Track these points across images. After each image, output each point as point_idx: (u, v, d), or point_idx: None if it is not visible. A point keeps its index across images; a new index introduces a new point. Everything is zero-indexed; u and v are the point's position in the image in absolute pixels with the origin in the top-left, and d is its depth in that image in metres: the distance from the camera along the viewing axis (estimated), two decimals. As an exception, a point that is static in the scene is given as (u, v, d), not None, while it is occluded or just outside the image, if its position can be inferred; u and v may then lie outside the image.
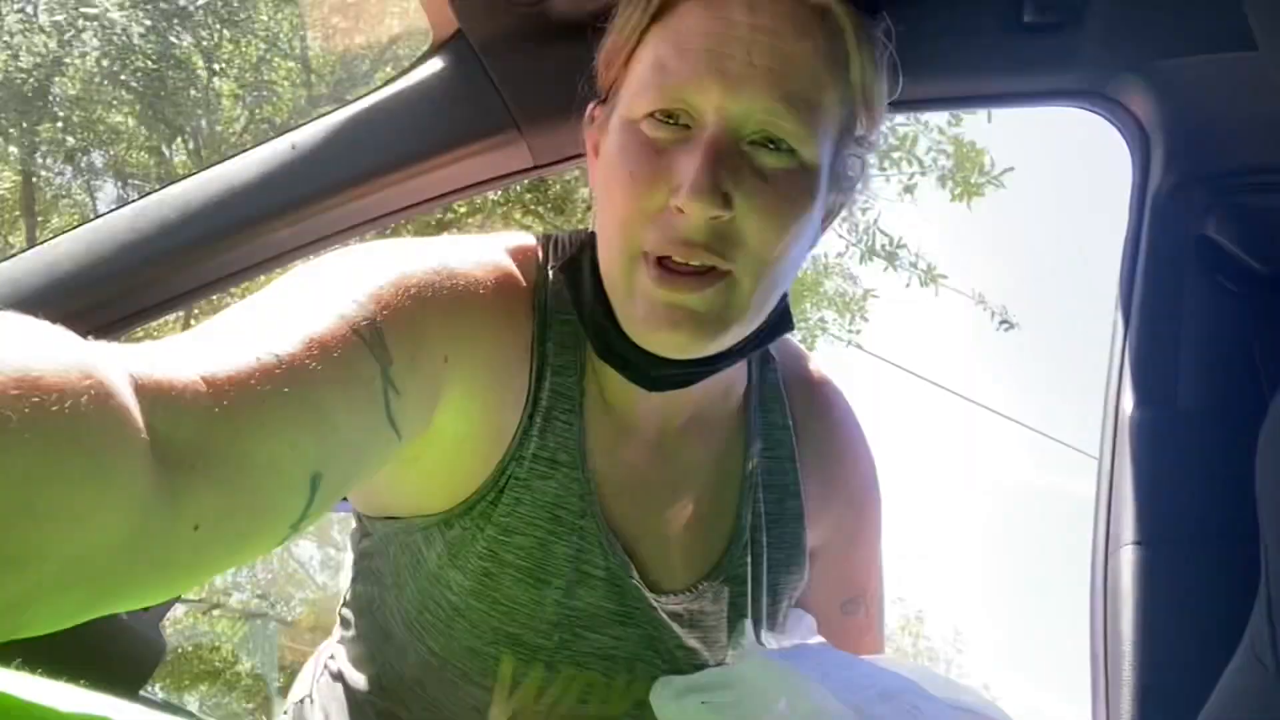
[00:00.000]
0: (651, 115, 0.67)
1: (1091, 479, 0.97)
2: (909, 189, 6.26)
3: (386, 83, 0.95)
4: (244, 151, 0.95)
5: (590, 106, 0.76)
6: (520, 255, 0.76)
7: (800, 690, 0.69)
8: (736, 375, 0.82)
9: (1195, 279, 0.94)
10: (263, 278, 0.95)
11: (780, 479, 0.83)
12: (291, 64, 7.33)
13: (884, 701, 0.70)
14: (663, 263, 0.66)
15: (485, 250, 0.74)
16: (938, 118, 5.95)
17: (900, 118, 5.83)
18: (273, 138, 0.96)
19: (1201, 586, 0.85)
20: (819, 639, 0.83)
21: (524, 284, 0.74)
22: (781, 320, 0.76)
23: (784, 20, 0.66)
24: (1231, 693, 0.61)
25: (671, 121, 0.66)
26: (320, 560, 7.61)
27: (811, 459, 0.85)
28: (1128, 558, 0.87)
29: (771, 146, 0.66)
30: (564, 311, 0.75)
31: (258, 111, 7.21)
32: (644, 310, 0.67)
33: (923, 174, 6.16)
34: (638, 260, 0.67)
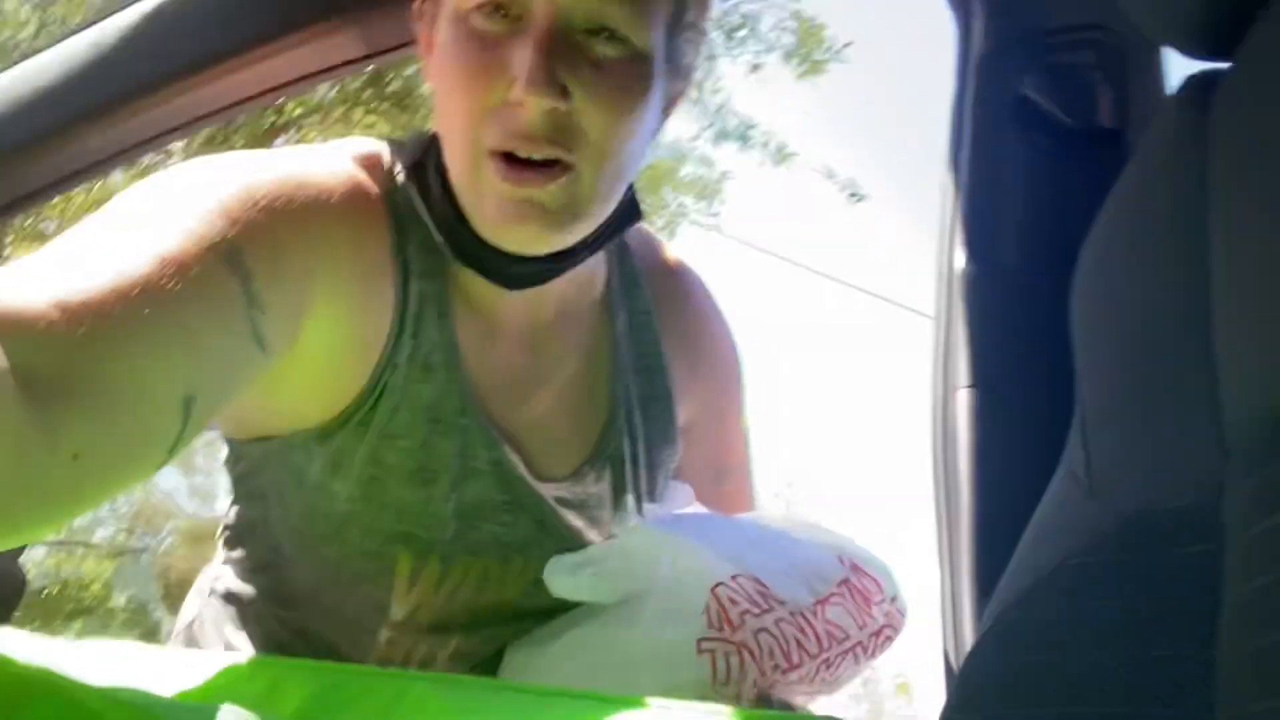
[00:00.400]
0: (480, 7, 0.65)
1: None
2: (755, 68, 6.29)
3: (191, -30, 0.88)
4: (37, 51, 0.86)
5: (417, 1, 0.74)
6: (367, 162, 0.74)
7: (682, 551, 0.75)
8: (597, 267, 0.83)
9: (1015, 139, 1.00)
10: (81, 191, 0.88)
11: (648, 361, 0.86)
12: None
13: (758, 549, 0.76)
14: (507, 158, 0.66)
15: (331, 159, 0.72)
16: (780, -7, 5.95)
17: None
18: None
19: (1028, 422, 0.93)
20: (696, 506, 0.87)
21: (375, 191, 0.72)
22: (630, 211, 0.78)
23: None
24: (1051, 507, 0.69)
25: (501, 13, 0.65)
26: (188, 488, 7.38)
27: (675, 340, 0.88)
28: (962, 400, 0.95)
29: (605, 35, 0.66)
30: (419, 216, 0.73)
31: (49, 12, 6.49)
32: (493, 208, 0.67)
33: (768, 52, 6.19)
34: (482, 158, 0.67)
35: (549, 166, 0.66)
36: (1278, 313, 0.45)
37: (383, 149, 0.76)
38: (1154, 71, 0.98)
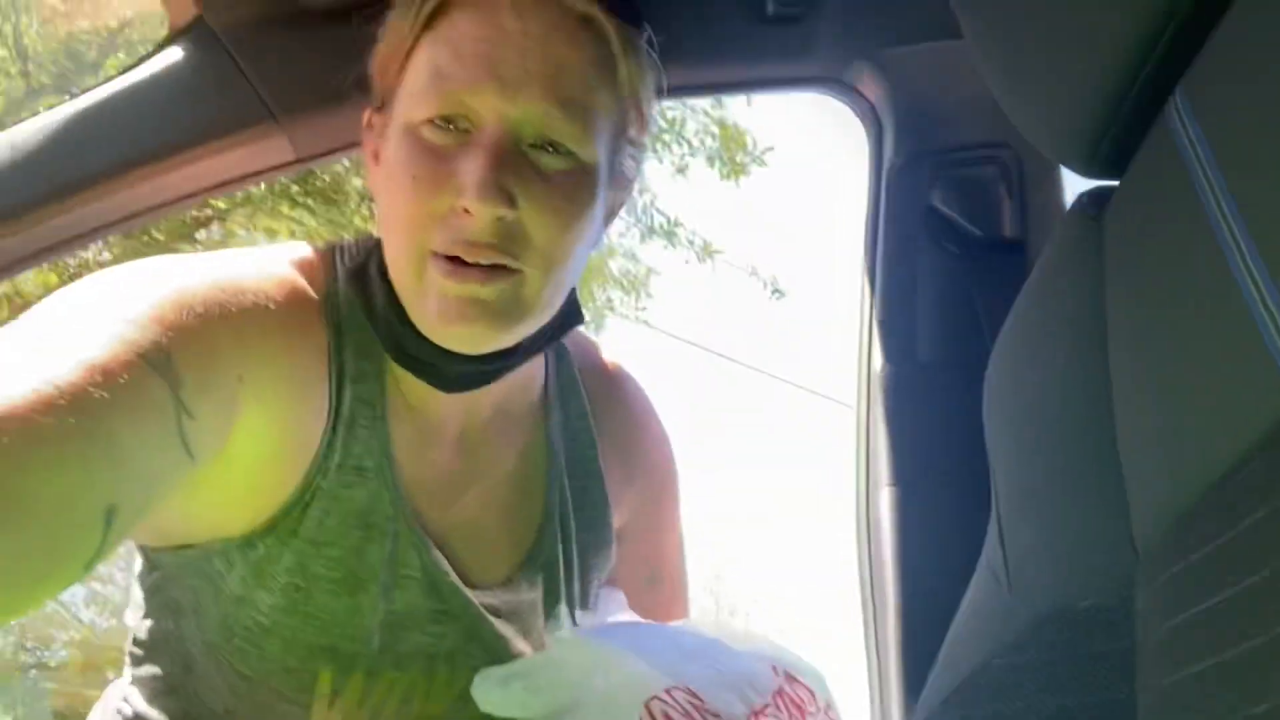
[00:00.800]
0: (431, 121, 0.67)
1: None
2: (681, 170, 6.48)
3: (121, 72, 0.88)
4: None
5: (366, 114, 0.76)
6: (306, 265, 0.74)
7: (614, 663, 0.73)
8: (534, 369, 0.83)
9: (926, 245, 1.05)
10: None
11: (583, 465, 0.86)
12: (3, 51, 6.52)
13: (692, 659, 0.75)
14: (452, 260, 0.67)
15: (268, 262, 0.71)
16: (703, 102, 6.20)
17: (668, 104, 6.02)
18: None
19: (950, 519, 0.95)
20: (629, 614, 0.86)
21: (313, 295, 0.72)
22: (571, 314, 0.79)
23: (553, 28, 0.69)
24: (973, 606, 0.70)
25: (451, 126, 0.67)
26: (85, 596, 6.93)
27: (610, 443, 0.88)
28: (885, 498, 0.97)
29: (550, 149, 0.68)
30: (358, 319, 0.73)
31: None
32: (436, 305, 0.67)
33: (693, 155, 6.40)
34: (426, 259, 0.67)
35: (493, 270, 0.67)
36: (1175, 416, 0.47)
37: (322, 252, 0.76)
38: (1053, 186, 1.04)
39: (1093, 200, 0.62)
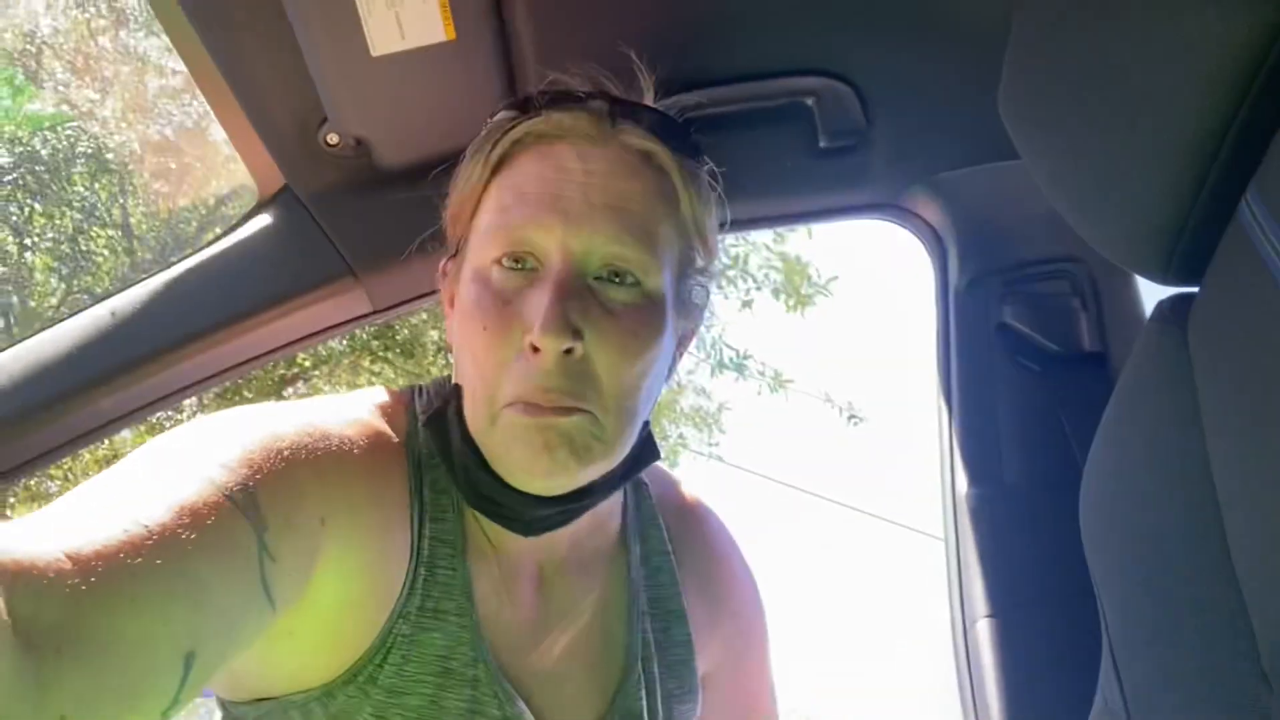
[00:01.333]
0: (498, 262, 0.69)
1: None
2: (747, 304, 6.57)
3: (212, 241, 0.94)
4: (57, 322, 0.91)
5: (442, 263, 0.79)
6: (388, 409, 0.76)
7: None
8: (612, 507, 0.82)
9: (1001, 363, 1.03)
10: (86, 452, 0.90)
11: (666, 606, 0.83)
12: (112, 232, 7.06)
13: None
14: (527, 404, 0.67)
15: (353, 407, 0.73)
16: (764, 236, 6.34)
17: (730, 240, 6.17)
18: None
19: (1056, 650, 0.89)
20: None
21: (395, 438, 0.73)
22: (646, 449, 0.77)
23: (614, 164, 0.71)
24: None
25: (519, 266, 0.69)
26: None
27: (693, 583, 0.85)
28: (984, 630, 0.91)
29: (616, 280, 0.69)
30: (437, 459, 0.74)
31: (76, 282, 6.86)
32: (514, 443, 0.67)
33: (758, 289, 6.50)
34: (500, 409, 0.68)
35: (567, 409, 0.67)
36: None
37: (403, 396, 0.77)
38: (1130, 295, 1.02)
39: (1174, 307, 0.61)
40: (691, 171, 0.75)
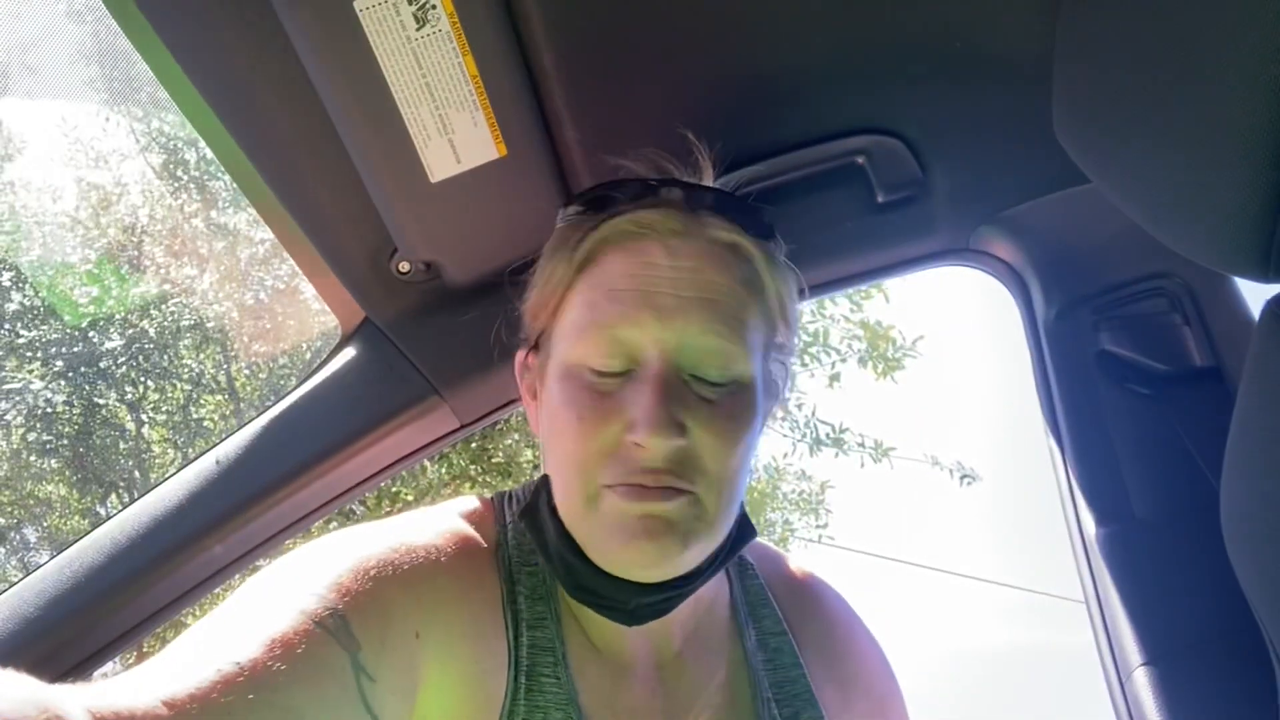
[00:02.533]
0: (592, 362, 0.71)
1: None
2: (835, 378, 6.48)
3: (303, 380, 0.97)
4: (167, 479, 0.95)
5: (521, 355, 0.81)
6: (476, 517, 0.76)
7: None
8: (718, 591, 0.80)
9: (1108, 392, 0.98)
10: (207, 598, 0.93)
11: (791, 690, 0.78)
12: (219, 397, 7.44)
13: None
14: (629, 487, 0.68)
15: (440, 518, 0.74)
16: (841, 308, 6.28)
17: (808, 316, 6.13)
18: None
19: (1222, 688, 0.82)
20: None
21: (484, 544, 0.73)
22: (744, 528, 0.77)
23: (702, 258, 0.73)
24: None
25: (614, 371, 0.70)
26: None
27: (818, 662, 0.81)
28: (1142, 680, 0.84)
29: (711, 376, 0.71)
30: (528, 563, 0.74)
31: (190, 450, 7.21)
32: (616, 529, 0.67)
33: (843, 361, 6.41)
34: (599, 492, 0.69)
35: (670, 490, 0.68)
36: None
37: (491, 503, 0.78)
38: (1234, 301, 0.97)
39: None
40: (773, 255, 0.77)
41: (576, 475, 0.69)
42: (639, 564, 0.68)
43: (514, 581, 0.72)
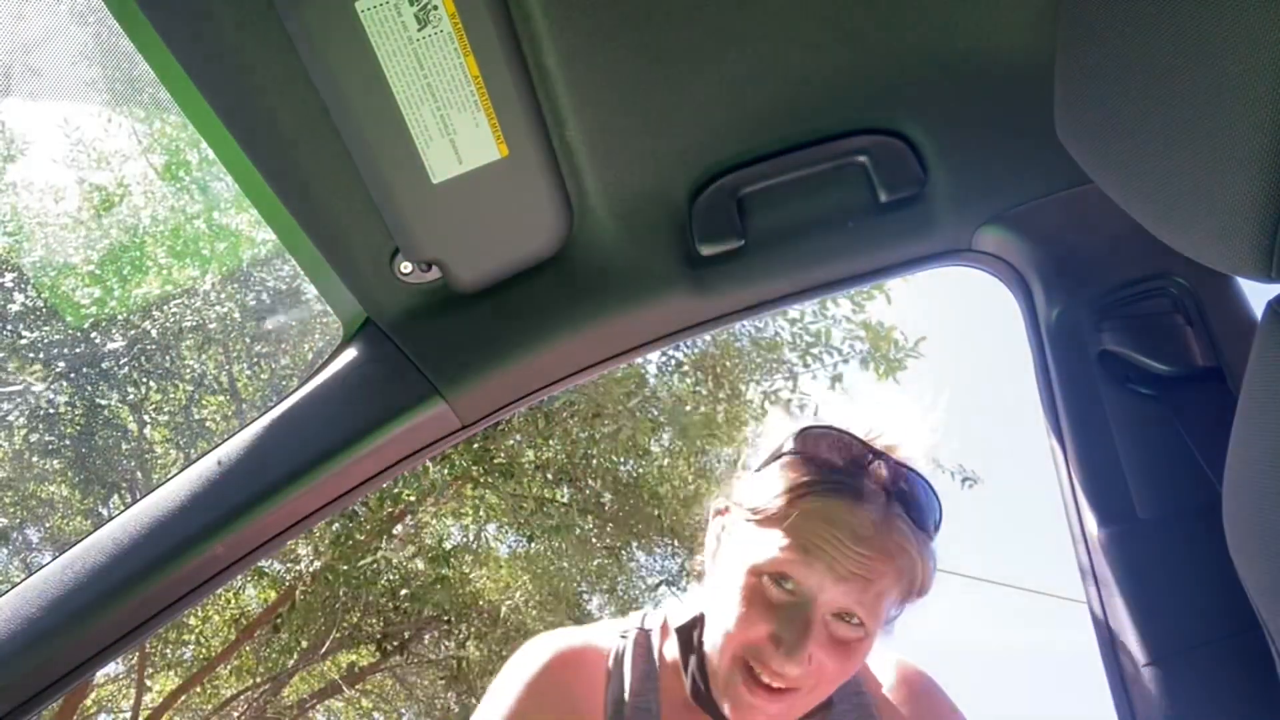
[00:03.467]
0: (774, 575, 0.94)
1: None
2: (836, 378, 6.48)
3: (305, 380, 0.97)
4: (169, 480, 0.95)
5: (722, 504, 1.07)
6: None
7: None
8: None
9: (1111, 392, 0.98)
10: (215, 614, 0.93)
11: None
12: (221, 397, 7.45)
13: None
14: (753, 675, 0.93)
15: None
16: (843, 309, 6.28)
17: (809, 316, 6.13)
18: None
19: (1227, 685, 0.82)
20: None
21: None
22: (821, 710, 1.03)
23: (879, 553, 0.94)
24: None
25: (788, 585, 0.94)
26: None
27: None
28: (1145, 680, 0.84)
29: (849, 621, 0.94)
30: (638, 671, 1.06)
31: (192, 450, 7.22)
32: (731, 697, 0.95)
33: (845, 362, 6.41)
34: (739, 661, 0.95)
35: (783, 690, 0.93)
36: None
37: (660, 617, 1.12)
38: (1235, 301, 0.96)
39: None
40: (931, 551, 1.00)
41: (728, 640, 0.96)
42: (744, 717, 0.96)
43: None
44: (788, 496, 0.96)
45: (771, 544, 0.95)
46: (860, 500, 0.96)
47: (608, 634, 1.09)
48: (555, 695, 1.00)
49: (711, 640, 0.98)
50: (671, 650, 1.05)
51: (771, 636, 0.92)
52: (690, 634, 1.03)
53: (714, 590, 1.01)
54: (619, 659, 1.05)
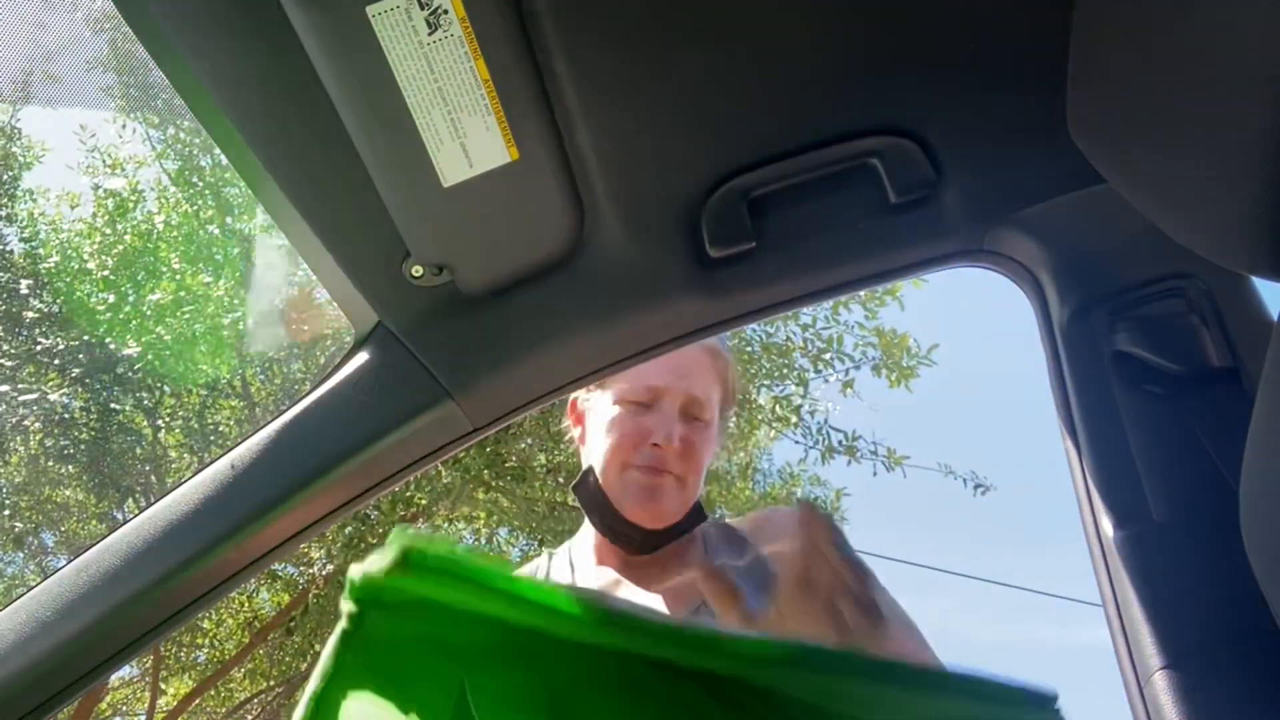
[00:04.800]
0: (631, 401, 1.31)
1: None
2: (848, 384, 6.45)
3: (316, 385, 0.98)
4: (182, 483, 0.95)
5: (576, 415, 1.43)
6: None
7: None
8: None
9: (1125, 393, 0.97)
10: (229, 617, 0.93)
11: None
12: (236, 402, 7.49)
13: None
14: (647, 470, 1.27)
15: None
16: (856, 314, 6.26)
17: (821, 321, 6.11)
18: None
19: (1244, 690, 0.81)
20: None
21: None
22: (698, 510, 1.33)
23: (706, 360, 1.35)
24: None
25: (644, 405, 1.31)
26: None
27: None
28: (1161, 683, 0.83)
29: (694, 418, 1.33)
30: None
31: (206, 455, 7.26)
32: (635, 492, 1.27)
33: (857, 368, 6.39)
34: (627, 465, 1.28)
35: (665, 474, 1.28)
36: None
37: None
38: (1251, 301, 0.96)
39: None
40: (732, 361, 1.41)
41: (616, 465, 1.29)
42: (645, 516, 1.28)
43: None
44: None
45: (625, 383, 1.30)
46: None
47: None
48: None
49: (602, 468, 1.29)
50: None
51: (645, 433, 1.27)
52: (586, 480, 1.31)
53: (592, 444, 1.33)
54: (547, 568, 1.36)
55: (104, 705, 9.04)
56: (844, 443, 6.37)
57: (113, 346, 6.43)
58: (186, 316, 6.45)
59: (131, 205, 6.81)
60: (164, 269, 6.52)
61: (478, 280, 0.94)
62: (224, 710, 9.38)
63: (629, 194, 0.93)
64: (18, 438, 6.61)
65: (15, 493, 6.91)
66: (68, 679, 0.92)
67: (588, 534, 1.37)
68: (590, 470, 1.32)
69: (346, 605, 0.45)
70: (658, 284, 0.97)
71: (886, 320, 6.39)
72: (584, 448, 1.38)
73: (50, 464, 6.75)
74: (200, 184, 6.91)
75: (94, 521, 7.37)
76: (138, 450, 6.95)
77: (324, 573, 7.29)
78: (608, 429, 1.29)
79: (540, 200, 0.90)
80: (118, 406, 6.64)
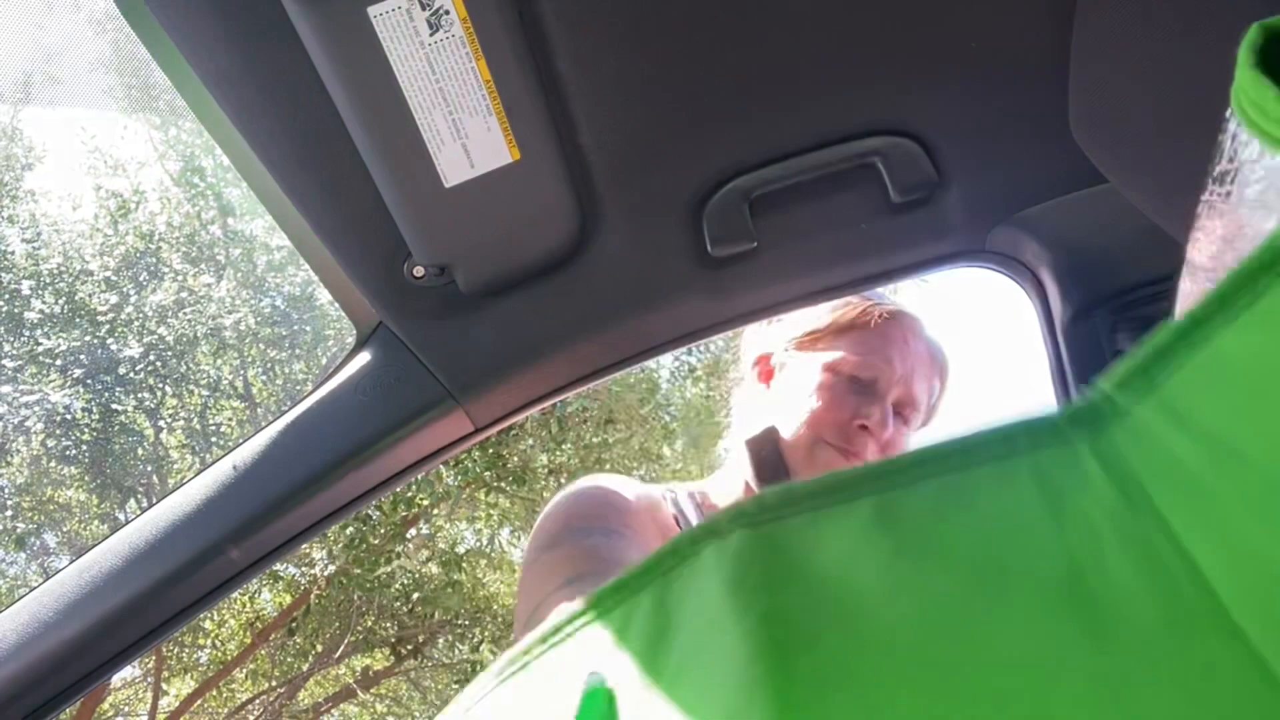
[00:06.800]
0: (854, 378, 1.19)
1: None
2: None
3: (317, 385, 0.98)
4: (184, 484, 0.95)
5: (760, 355, 1.31)
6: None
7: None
8: None
9: None
10: (231, 618, 0.93)
11: None
12: (237, 403, 7.49)
13: None
14: (843, 451, 1.14)
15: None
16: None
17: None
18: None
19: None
20: None
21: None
22: None
23: (928, 353, 1.25)
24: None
25: (864, 378, 1.19)
26: None
27: None
28: None
29: (905, 411, 1.22)
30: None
31: (208, 456, 7.26)
32: (822, 466, 1.13)
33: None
34: (820, 441, 1.16)
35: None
36: None
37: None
38: None
39: None
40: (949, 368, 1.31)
41: (811, 432, 1.17)
42: None
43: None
44: (849, 311, 1.19)
45: (844, 349, 1.19)
46: (908, 317, 1.22)
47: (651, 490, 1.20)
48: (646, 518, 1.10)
49: (794, 430, 1.17)
50: (722, 497, 1.20)
51: (856, 417, 1.14)
52: (768, 436, 1.18)
53: (786, 399, 1.21)
54: (678, 506, 1.17)
55: (106, 706, 9.05)
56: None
57: (114, 347, 6.44)
58: (188, 316, 6.45)
59: (133, 206, 6.82)
60: (166, 269, 6.53)
61: (479, 281, 0.94)
62: (226, 711, 9.39)
63: (630, 194, 0.93)
64: (20, 438, 6.61)
65: (17, 493, 6.91)
66: (69, 679, 0.92)
67: (732, 485, 1.23)
68: (774, 428, 1.20)
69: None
70: (659, 284, 0.97)
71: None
72: (756, 403, 1.27)
73: (52, 465, 6.76)
74: (201, 184, 6.91)
75: (96, 522, 7.38)
76: (139, 451, 6.96)
77: (325, 574, 7.29)
78: (815, 392, 1.18)
79: (542, 201, 0.90)
80: (119, 407, 6.64)
